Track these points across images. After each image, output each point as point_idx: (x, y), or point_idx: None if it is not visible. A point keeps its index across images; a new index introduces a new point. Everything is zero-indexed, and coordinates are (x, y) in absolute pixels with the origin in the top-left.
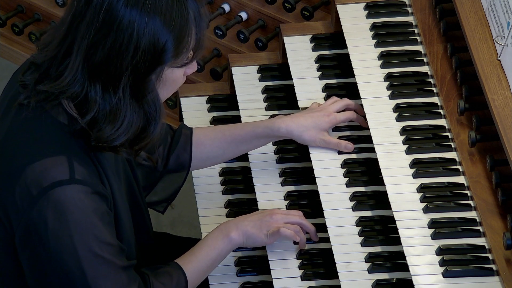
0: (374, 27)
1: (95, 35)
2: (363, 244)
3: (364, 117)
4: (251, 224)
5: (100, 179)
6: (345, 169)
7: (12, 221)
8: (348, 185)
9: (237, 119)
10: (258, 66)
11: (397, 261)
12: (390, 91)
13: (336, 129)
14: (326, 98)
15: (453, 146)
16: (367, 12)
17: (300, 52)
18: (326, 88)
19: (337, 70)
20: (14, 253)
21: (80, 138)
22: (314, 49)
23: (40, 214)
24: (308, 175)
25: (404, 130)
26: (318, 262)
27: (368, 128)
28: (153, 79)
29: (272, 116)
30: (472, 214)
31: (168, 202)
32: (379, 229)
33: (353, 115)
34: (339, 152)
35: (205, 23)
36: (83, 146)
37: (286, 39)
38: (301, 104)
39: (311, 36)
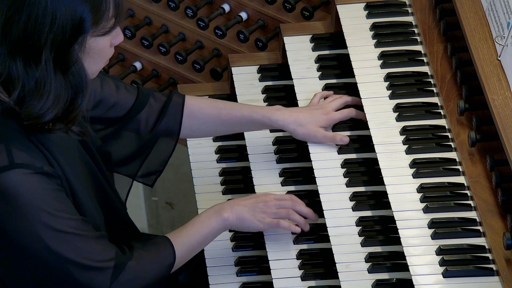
0: (374, 27)
1: (8, 11)
2: (363, 244)
3: (359, 97)
4: (246, 209)
5: (48, 161)
6: (345, 169)
7: None
8: (348, 185)
9: None
10: (258, 66)
11: (397, 261)
12: (390, 91)
13: (336, 129)
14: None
15: (453, 146)
16: (367, 12)
17: (300, 52)
18: (326, 88)
19: (337, 70)
20: None
21: (17, 123)
22: (314, 49)
23: None
24: (308, 175)
25: (404, 130)
26: (318, 262)
27: (368, 128)
28: (76, 50)
29: None
30: (472, 214)
31: (156, 174)
32: (379, 229)
33: (351, 113)
34: (339, 152)
35: None
36: (21, 131)
37: (286, 39)
38: (301, 104)
39: (311, 36)
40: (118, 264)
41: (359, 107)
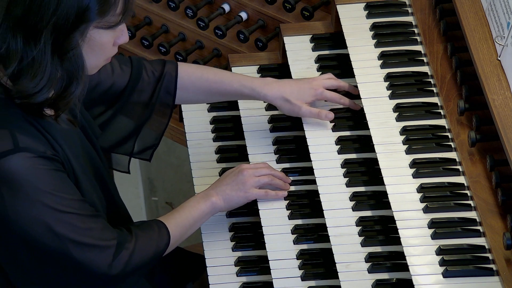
0: (374, 27)
1: None
2: (363, 244)
3: (359, 97)
4: (229, 187)
5: (51, 145)
6: (345, 169)
7: None
8: (348, 185)
9: (237, 119)
10: (258, 66)
11: (397, 261)
12: (390, 91)
13: (336, 128)
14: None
15: (453, 146)
16: (367, 12)
17: (300, 52)
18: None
19: (337, 70)
20: None
21: (20, 109)
22: (314, 49)
23: None
24: (308, 175)
25: (404, 130)
26: (318, 262)
27: (368, 128)
28: (76, 37)
29: (273, 117)
30: (472, 214)
31: (152, 148)
32: (379, 229)
33: (339, 99)
34: (339, 152)
35: None
36: (24, 117)
37: (286, 39)
38: None
39: (311, 36)
40: (119, 243)
41: (353, 96)
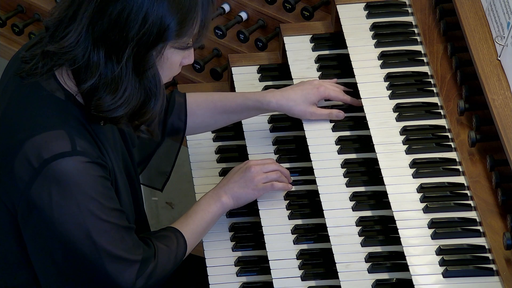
0: (374, 27)
1: (102, 0)
2: (363, 244)
3: (359, 97)
4: (237, 185)
5: (100, 151)
6: (345, 169)
7: (13, 197)
8: (348, 185)
9: None
10: (258, 66)
11: (397, 261)
12: (390, 91)
13: (336, 128)
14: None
15: (453, 146)
16: (367, 12)
17: (300, 52)
18: None
19: (337, 70)
20: (18, 235)
21: (79, 111)
22: (314, 49)
23: (42, 186)
24: (308, 175)
25: (404, 130)
26: (318, 262)
27: (368, 128)
28: (153, 55)
29: (273, 117)
30: (472, 214)
31: (167, 177)
32: (379, 229)
33: (343, 96)
34: (339, 152)
35: (211, 14)
36: (80, 119)
37: (286, 39)
38: None
39: (311, 36)
40: (144, 259)
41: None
